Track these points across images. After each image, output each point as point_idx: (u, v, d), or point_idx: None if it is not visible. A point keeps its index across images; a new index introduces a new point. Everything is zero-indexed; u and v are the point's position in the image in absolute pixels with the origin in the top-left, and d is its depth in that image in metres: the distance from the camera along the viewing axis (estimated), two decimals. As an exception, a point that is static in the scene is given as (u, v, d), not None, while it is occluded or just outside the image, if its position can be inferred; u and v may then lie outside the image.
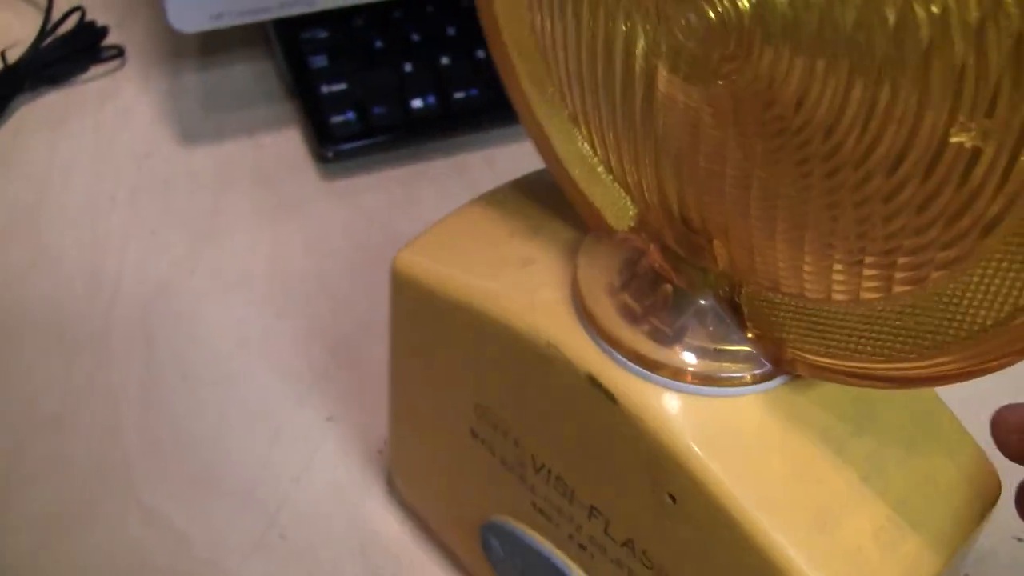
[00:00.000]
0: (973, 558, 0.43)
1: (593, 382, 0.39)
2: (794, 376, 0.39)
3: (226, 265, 0.65)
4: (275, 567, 0.53)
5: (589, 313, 0.40)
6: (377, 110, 0.70)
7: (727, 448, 0.37)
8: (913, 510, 0.38)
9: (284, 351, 0.61)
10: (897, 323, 0.33)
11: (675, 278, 0.39)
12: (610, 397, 0.38)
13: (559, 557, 0.46)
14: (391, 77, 0.71)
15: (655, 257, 0.39)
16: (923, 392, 0.41)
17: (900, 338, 0.33)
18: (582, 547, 0.44)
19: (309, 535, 0.55)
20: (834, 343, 0.36)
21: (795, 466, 0.38)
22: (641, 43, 0.34)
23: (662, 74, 0.33)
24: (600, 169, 0.41)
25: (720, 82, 0.31)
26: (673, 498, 0.38)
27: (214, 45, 0.77)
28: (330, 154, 0.69)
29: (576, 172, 0.41)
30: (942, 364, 0.33)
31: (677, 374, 0.38)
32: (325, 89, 0.70)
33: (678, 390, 0.38)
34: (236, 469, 0.57)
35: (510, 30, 0.39)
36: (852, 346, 0.35)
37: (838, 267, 0.33)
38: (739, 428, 0.38)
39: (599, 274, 0.41)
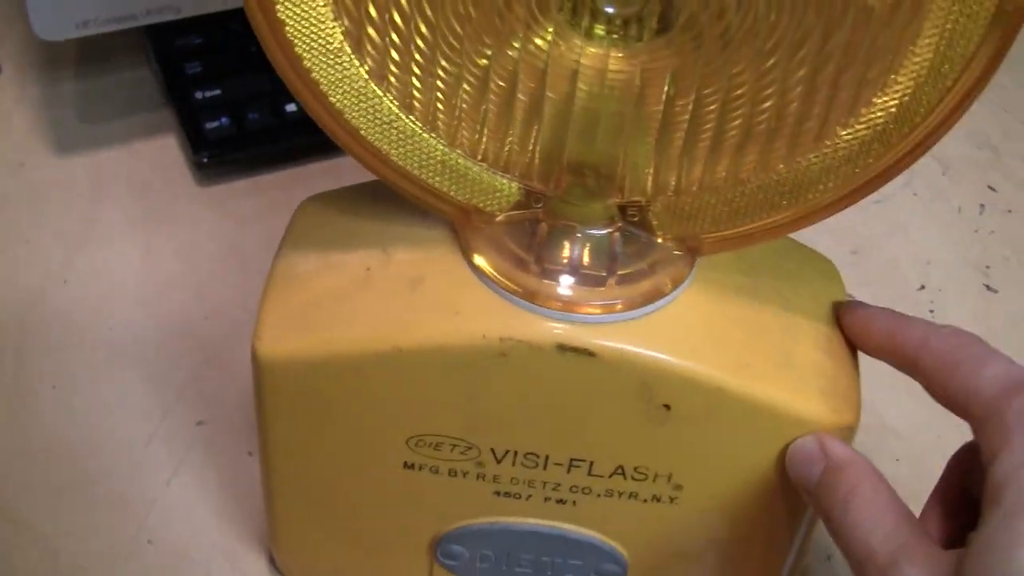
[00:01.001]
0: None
1: (564, 348, 0.40)
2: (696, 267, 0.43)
3: (100, 274, 0.65)
4: (144, 571, 0.53)
5: (519, 292, 0.41)
6: (252, 115, 0.70)
7: (693, 345, 0.41)
8: (819, 314, 0.45)
9: (156, 357, 0.61)
10: (788, 183, 0.40)
11: (577, 225, 0.41)
12: (587, 353, 0.40)
13: (537, 523, 0.47)
14: (265, 82, 0.71)
15: (548, 216, 0.41)
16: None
17: (787, 194, 0.40)
18: (561, 502, 0.46)
19: (179, 538, 0.55)
20: (734, 216, 0.41)
21: (744, 330, 0.43)
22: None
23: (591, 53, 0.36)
24: (467, 165, 0.41)
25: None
26: (668, 406, 0.42)
27: (92, 54, 0.77)
28: (204, 160, 0.69)
29: (435, 179, 0.41)
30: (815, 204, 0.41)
31: (622, 307, 0.41)
32: (199, 95, 0.70)
33: (631, 318, 0.41)
34: (106, 476, 0.56)
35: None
36: (751, 212, 0.41)
37: (751, 154, 0.39)
38: (691, 324, 0.42)
39: (501, 258, 0.42)
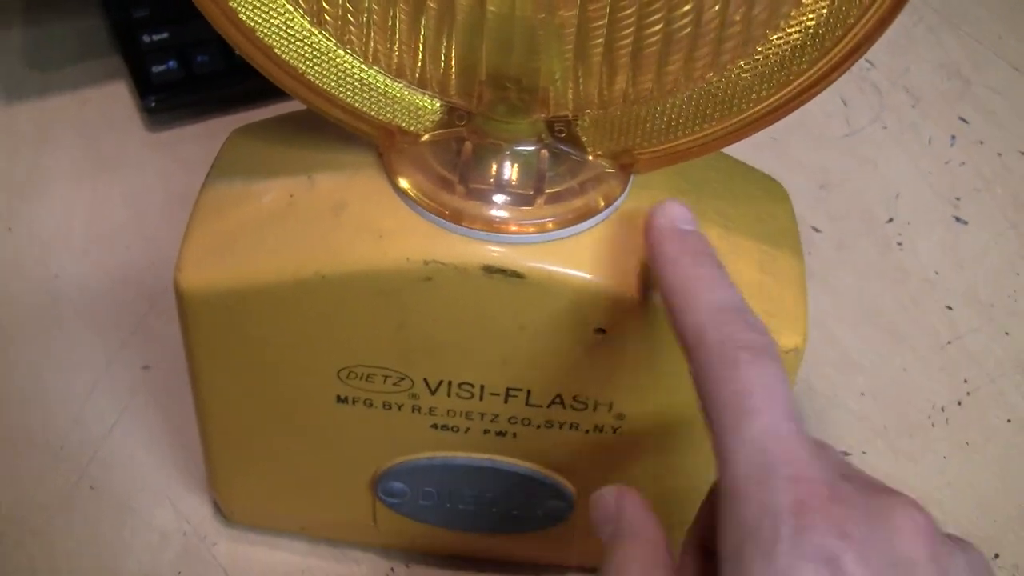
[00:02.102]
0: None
1: (490, 270, 0.39)
2: (631, 185, 0.41)
3: (44, 221, 0.63)
4: (85, 518, 0.52)
5: (444, 213, 0.39)
6: (200, 58, 0.68)
7: (627, 265, 0.40)
8: (763, 234, 0.43)
9: (101, 303, 0.60)
10: (719, 93, 0.38)
11: (503, 144, 0.40)
12: (515, 275, 0.39)
13: (478, 457, 0.46)
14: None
15: (474, 135, 0.40)
16: (718, 155, 0.43)
17: (719, 105, 0.38)
18: (500, 434, 0.45)
19: (121, 484, 0.53)
20: (665, 129, 0.39)
21: None
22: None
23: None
24: (386, 82, 0.40)
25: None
26: (603, 330, 0.40)
27: (40, 2, 0.75)
28: (152, 104, 0.67)
29: (355, 99, 0.40)
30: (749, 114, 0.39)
31: (552, 226, 0.39)
32: (147, 39, 0.68)
33: (561, 237, 0.40)
34: (47, 426, 0.55)
35: None
36: (683, 124, 0.39)
37: (675, 63, 0.37)
38: (622, 245, 0.40)
39: (426, 179, 0.40)
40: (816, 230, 0.67)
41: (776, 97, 0.38)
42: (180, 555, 0.52)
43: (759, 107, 0.39)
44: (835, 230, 0.67)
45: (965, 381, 0.61)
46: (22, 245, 0.62)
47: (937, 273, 0.65)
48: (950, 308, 0.64)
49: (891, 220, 0.68)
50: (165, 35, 0.69)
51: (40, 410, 0.56)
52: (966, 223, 0.68)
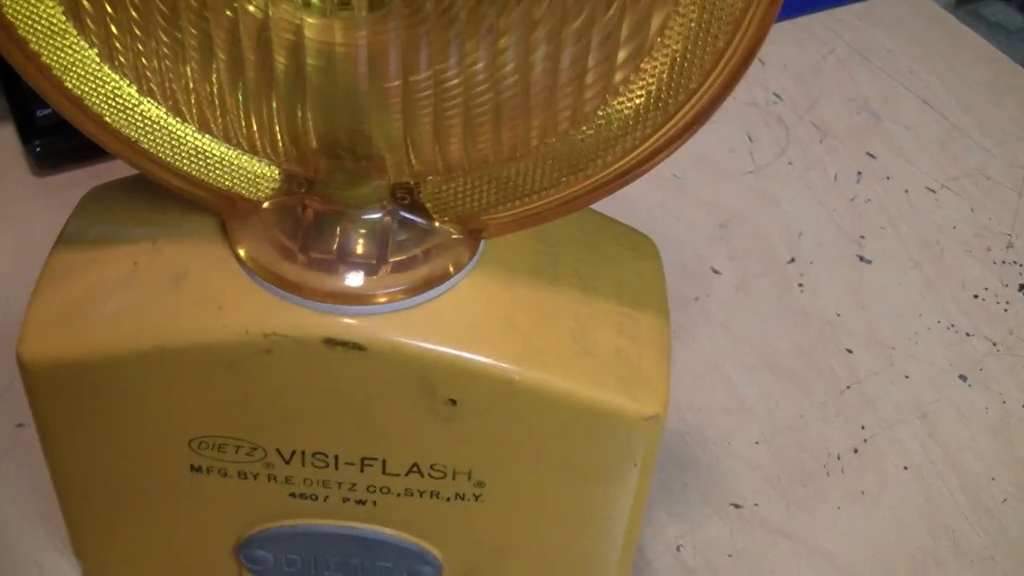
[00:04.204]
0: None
1: (331, 343, 0.38)
2: (483, 250, 0.41)
3: (-78, 272, 0.62)
4: (-53, 588, 0.51)
5: (284, 284, 0.38)
6: (89, 101, 0.67)
7: (477, 334, 0.39)
8: (626, 296, 0.43)
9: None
10: (564, 158, 0.37)
11: (346, 211, 0.39)
12: (356, 347, 0.38)
13: (339, 525, 0.44)
14: (103, 66, 0.68)
15: (315, 203, 0.39)
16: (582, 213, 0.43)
17: (565, 170, 0.38)
18: (361, 502, 0.43)
19: (-14, 551, 0.52)
20: (512, 194, 0.38)
21: (535, 315, 0.40)
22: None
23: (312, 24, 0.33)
24: (221, 149, 0.39)
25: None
26: (454, 401, 0.39)
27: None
28: (37, 148, 0.66)
29: (191, 167, 0.39)
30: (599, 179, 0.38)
31: (396, 296, 0.39)
32: (33, 82, 0.67)
33: (406, 307, 0.39)
34: (-87, 487, 0.54)
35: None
36: (529, 189, 0.38)
37: (508, 131, 0.36)
38: (472, 312, 0.39)
39: (266, 247, 0.39)
40: (715, 271, 0.66)
41: (624, 161, 0.37)
42: (45, 623, 0.50)
43: (608, 171, 0.38)
44: (735, 270, 0.66)
45: (863, 427, 0.60)
46: (-102, 297, 0.61)
47: (839, 315, 0.65)
48: (850, 351, 0.63)
49: (793, 260, 0.67)
50: (52, 77, 0.67)
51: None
52: (870, 262, 0.67)
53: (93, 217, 0.44)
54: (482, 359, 0.39)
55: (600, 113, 0.36)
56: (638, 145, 0.37)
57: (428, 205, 0.39)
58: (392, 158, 0.37)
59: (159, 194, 0.42)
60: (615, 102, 0.36)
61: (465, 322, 0.39)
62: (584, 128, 0.37)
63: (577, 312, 0.41)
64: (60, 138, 0.66)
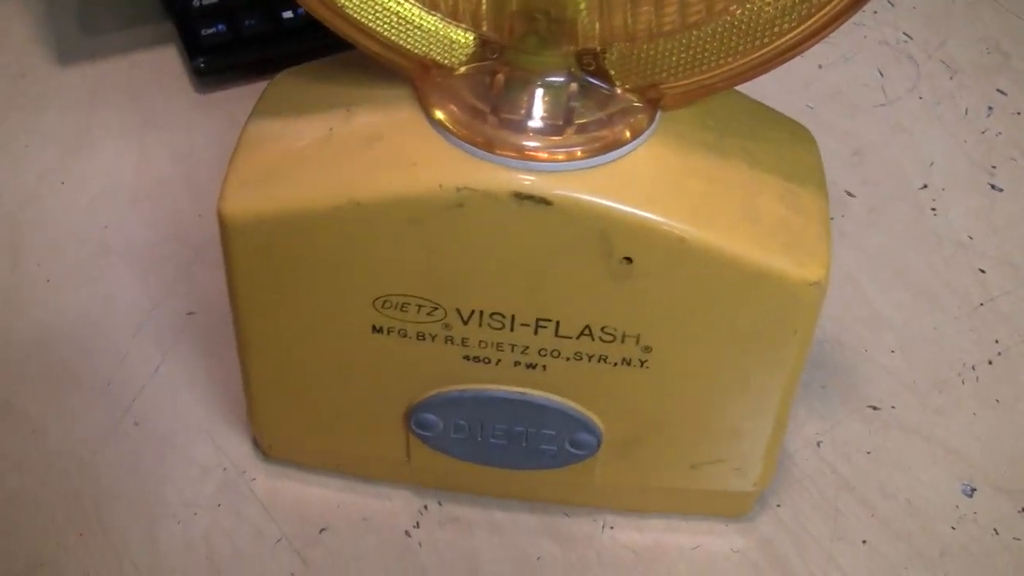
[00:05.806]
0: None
1: (520, 197, 0.40)
2: (658, 121, 0.42)
3: (94, 176, 0.65)
4: (128, 452, 0.54)
5: (476, 142, 0.41)
6: (248, 22, 0.70)
7: (653, 195, 0.41)
8: (787, 172, 0.44)
9: (149, 252, 0.62)
10: (743, 26, 0.39)
11: (535, 76, 0.41)
12: (543, 202, 0.40)
13: (508, 390, 0.47)
14: (262, -11, 0.71)
15: (506, 69, 0.41)
16: (745, 99, 0.47)
17: (744, 38, 0.40)
18: (531, 366, 0.46)
19: (164, 421, 0.55)
20: (691, 64, 0.41)
21: (706, 183, 0.42)
22: None
23: None
24: (421, 15, 0.41)
25: None
26: (629, 259, 0.41)
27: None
28: (201, 65, 0.69)
29: (391, 32, 0.41)
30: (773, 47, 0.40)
31: (579, 155, 0.41)
32: (196, 2, 0.70)
33: (589, 167, 0.41)
34: (94, 364, 0.57)
35: None
36: (709, 56, 0.40)
37: None
38: (648, 176, 0.41)
39: (459, 110, 0.42)
40: (850, 194, 0.67)
41: (799, 30, 0.39)
42: (220, 488, 0.53)
43: (782, 40, 0.40)
44: (868, 194, 0.68)
45: (996, 341, 0.61)
46: (73, 198, 0.64)
47: (971, 237, 0.66)
48: (983, 271, 0.64)
49: (925, 186, 0.68)
50: (214, 0, 0.70)
51: (89, 348, 0.57)
52: (1002, 190, 0.69)
53: (286, 93, 0.47)
54: (658, 218, 0.41)
55: (782, -22, 0.38)
56: (813, 13, 0.39)
57: (612, 72, 0.41)
58: (583, 22, 0.39)
59: (348, 71, 0.45)
60: (797, -35, 0.38)
61: (643, 184, 0.41)
62: None
63: (744, 182, 0.43)
64: (222, 56, 0.69)
